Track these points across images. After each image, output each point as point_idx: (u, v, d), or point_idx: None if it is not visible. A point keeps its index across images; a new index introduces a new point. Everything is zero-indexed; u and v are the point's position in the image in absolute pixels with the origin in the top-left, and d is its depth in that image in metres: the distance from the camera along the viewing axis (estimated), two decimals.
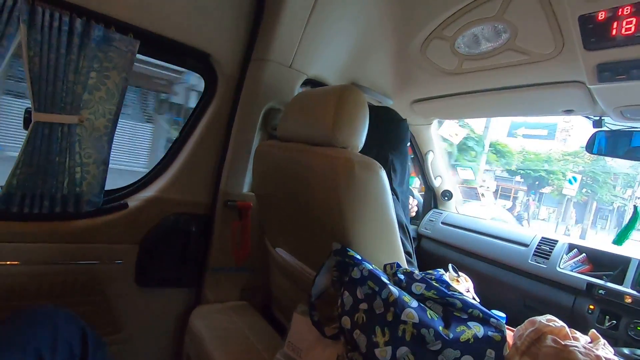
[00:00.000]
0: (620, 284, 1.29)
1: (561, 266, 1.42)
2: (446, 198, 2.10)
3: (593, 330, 0.69)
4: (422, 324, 0.66)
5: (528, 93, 1.27)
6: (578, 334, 0.66)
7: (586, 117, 1.33)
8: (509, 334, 0.72)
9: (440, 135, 1.99)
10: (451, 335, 0.65)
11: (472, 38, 1.23)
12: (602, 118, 1.28)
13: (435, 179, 2.07)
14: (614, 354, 0.66)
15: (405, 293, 0.71)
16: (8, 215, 1.02)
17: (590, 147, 1.39)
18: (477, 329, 0.67)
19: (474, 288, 1.30)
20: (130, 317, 1.25)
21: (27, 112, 1.01)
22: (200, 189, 1.33)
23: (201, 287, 1.35)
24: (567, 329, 0.64)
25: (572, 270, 1.41)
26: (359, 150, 0.92)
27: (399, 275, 0.78)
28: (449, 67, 1.37)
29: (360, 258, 0.79)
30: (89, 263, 1.15)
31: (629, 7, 0.82)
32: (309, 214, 0.94)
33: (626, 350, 0.70)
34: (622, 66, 0.93)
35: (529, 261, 1.49)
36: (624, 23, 0.85)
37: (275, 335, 1.17)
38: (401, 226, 1.14)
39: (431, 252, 1.92)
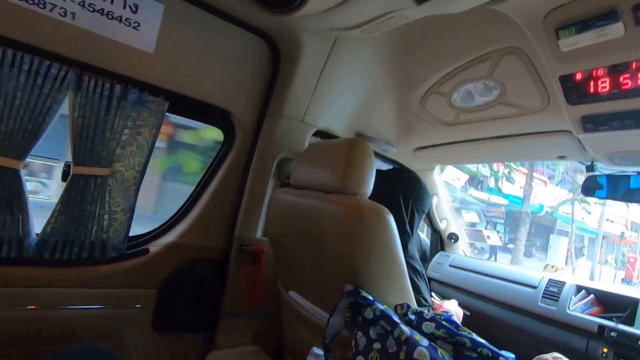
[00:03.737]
0: (632, 325, 1.29)
1: (571, 308, 1.43)
2: (452, 241, 2.13)
3: None
4: None
5: (521, 141, 1.37)
6: None
7: (579, 162, 1.42)
8: None
9: (443, 181, 2.08)
10: None
11: (467, 93, 1.36)
12: (594, 163, 1.37)
13: (440, 221, 2.13)
14: None
15: (416, 332, 0.75)
16: (40, 261, 1.10)
17: (587, 190, 1.46)
18: None
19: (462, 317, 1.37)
20: None
21: (67, 165, 1.12)
22: (216, 234, 1.40)
23: (214, 332, 1.37)
24: None
25: (582, 312, 1.42)
26: (368, 196, 1.01)
27: (409, 315, 0.82)
28: (446, 119, 1.49)
29: (372, 299, 0.84)
30: (109, 308, 1.19)
31: (601, 69, 0.94)
32: (322, 256, 1.00)
33: None
34: (603, 118, 1.03)
35: (539, 304, 1.50)
36: (599, 82, 0.96)
37: None
38: (416, 269, 1.19)
39: (440, 295, 1.92)
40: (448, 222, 2.14)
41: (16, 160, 1.02)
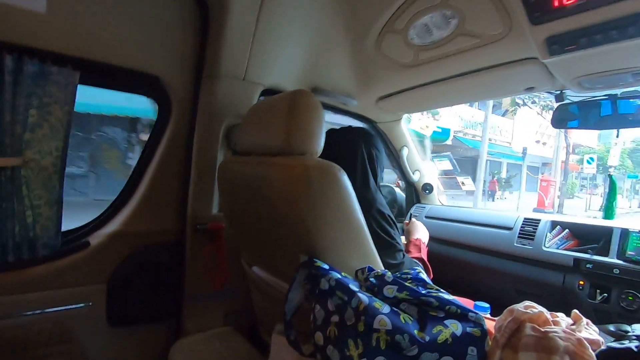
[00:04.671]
0: (606, 255, 1.27)
1: (547, 245, 1.40)
2: (427, 191, 2.07)
3: (575, 310, 0.66)
4: (395, 329, 0.62)
5: (487, 75, 1.26)
6: (560, 317, 0.63)
7: (548, 92, 1.33)
8: (492, 325, 0.68)
9: (411, 130, 1.98)
10: (427, 338, 0.61)
11: (423, 28, 1.22)
12: (563, 92, 1.28)
13: (413, 173, 2.05)
14: (599, 333, 0.63)
15: (376, 299, 0.67)
16: None
17: (557, 121, 1.38)
18: (454, 327, 0.64)
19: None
20: None
21: None
22: (167, 216, 1.27)
23: (180, 319, 1.29)
24: (547, 313, 0.61)
25: (557, 248, 1.39)
26: (319, 155, 0.89)
27: (370, 279, 0.74)
28: (406, 60, 1.36)
29: (327, 267, 0.75)
30: (55, 310, 1.08)
31: None
32: (275, 228, 0.90)
33: (611, 327, 0.67)
34: (570, 36, 0.92)
35: (515, 244, 1.47)
36: None
37: (262, 359, 1.11)
38: (388, 218, 1.12)
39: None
40: (421, 173, 2.07)
41: None
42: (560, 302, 1.31)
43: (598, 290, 1.23)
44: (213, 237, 1.28)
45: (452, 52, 1.23)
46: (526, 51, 1.09)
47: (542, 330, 0.56)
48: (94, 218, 1.22)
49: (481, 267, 1.57)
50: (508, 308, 0.64)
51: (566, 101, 1.30)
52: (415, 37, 1.26)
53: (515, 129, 15.21)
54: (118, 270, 1.18)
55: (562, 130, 10.84)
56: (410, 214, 1.87)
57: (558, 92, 1.29)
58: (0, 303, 1.00)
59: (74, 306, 1.11)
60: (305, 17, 1.27)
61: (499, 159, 15.92)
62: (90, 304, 1.14)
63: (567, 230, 1.44)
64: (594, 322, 0.72)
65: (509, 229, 1.53)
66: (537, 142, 15.78)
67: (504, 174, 16.68)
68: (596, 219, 1.52)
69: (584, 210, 14.15)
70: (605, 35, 0.89)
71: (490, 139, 11.38)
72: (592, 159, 13.22)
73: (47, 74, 1.00)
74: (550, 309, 0.66)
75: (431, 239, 1.80)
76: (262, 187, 0.88)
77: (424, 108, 1.88)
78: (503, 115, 15.27)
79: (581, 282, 1.27)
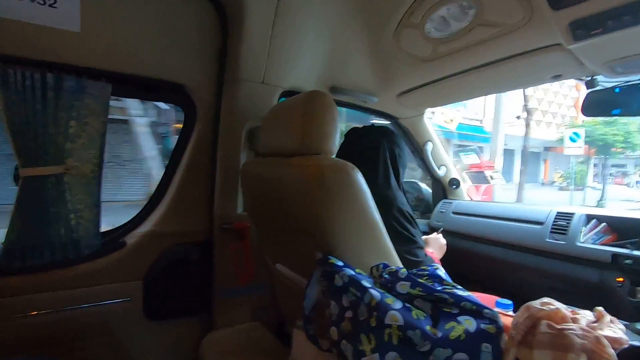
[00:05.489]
0: None
1: (581, 240, 1.33)
2: (454, 186, 2.02)
3: (599, 307, 0.63)
4: (407, 325, 0.62)
5: (509, 65, 1.21)
6: (581, 314, 0.61)
7: (578, 79, 1.26)
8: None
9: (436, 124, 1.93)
10: (439, 334, 0.61)
11: (441, 20, 1.20)
12: (594, 78, 1.20)
13: (439, 168, 2.01)
14: (626, 331, 0.60)
15: (388, 295, 0.68)
16: (11, 270, 1.06)
17: (589, 109, 1.30)
18: (468, 323, 0.63)
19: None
20: (144, 352, 1.26)
21: (16, 168, 1.05)
22: (196, 216, 1.34)
23: (211, 314, 1.35)
24: (565, 310, 0.59)
25: (594, 243, 1.32)
26: (334, 154, 0.91)
27: (384, 276, 0.75)
28: (425, 54, 1.34)
29: (341, 264, 0.77)
30: (96, 305, 1.17)
31: None
32: (293, 226, 0.93)
33: (639, 325, 0.63)
34: (595, 20, 0.87)
35: (546, 239, 1.40)
36: None
37: (288, 353, 1.15)
38: (408, 216, 1.12)
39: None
40: (447, 168, 2.02)
41: None
42: (596, 300, 1.24)
43: (639, 288, 1.16)
44: (239, 235, 1.33)
45: (471, 44, 1.20)
46: (549, 38, 1.04)
47: (558, 327, 0.54)
48: (129, 219, 1.31)
49: (511, 264, 1.51)
50: (525, 305, 0.63)
51: (598, 87, 1.22)
52: (432, 30, 1.24)
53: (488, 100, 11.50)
54: (152, 267, 1.26)
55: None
56: (432, 226, 1.86)
57: (589, 78, 1.22)
58: (49, 298, 1.11)
59: (114, 301, 1.20)
60: (321, 18, 1.29)
61: (468, 142, 11.70)
62: (129, 299, 1.22)
63: (604, 224, 1.36)
64: (635, 321, 0.69)
65: (540, 223, 1.46)
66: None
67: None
68: (636, 211, 1.41)
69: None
70: (635, 16, 0.83)
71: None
72: (576, 134, 9.57)
73: (84, 88, 1.09)
74: (585, 307, 0.63)
75: (459, 235, 1.77)
76: (280, 188, 0.91)
77: (446, 102, 1.83)
78: None
79: (620, 279, 1.20)
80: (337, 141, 0.91)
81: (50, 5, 1.00)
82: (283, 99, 1.41)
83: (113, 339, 1.20)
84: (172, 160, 1.35)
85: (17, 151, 1.03)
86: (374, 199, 0.83)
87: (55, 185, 1.09)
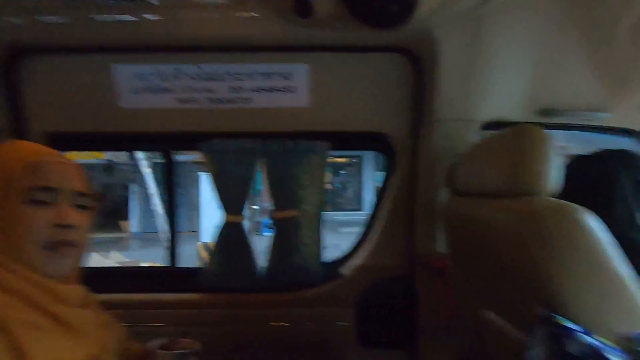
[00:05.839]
0: None
1: None
2: None
3: None
4: None
5: None
6: None
7: None
8: None
9: None
10: None
11: None
12: None
13: None
14: None
15: None
16: (269, 288, 1.43)
17: None
18: None
19: None
20: None
21: (272, 212, 1.45)
22: (397, 252, 1.42)
23: (417, 349, 1.37)
24: None
25: None
26: (556, 193, 0.79)
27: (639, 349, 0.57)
28: None
29: (573, 327, 0.64)
30: (317, 324, 1.40)
31: None
32: (503, 274, 0.85)
33: None
34: None
35: None
36: None
37: None
38: None
39: None
40: None
41: (239, 216, 1.41)
42: None
43: None
44: (439, 273, 1.31)
45: None
46: None
47: None
48: (345, 253, 1.54)
49: None
50: None
51: None
52: None
53: None
54: (363, 297, 1.41)
55: None
56: None
57: None
58: (281, 314, 1.40)
59: (330, 324, 1.40)
60: (528, 34, 1.19)
61: None
62: (346, 324, 1.40)
63: None
64: None
65: None
66: None
67: None
68: None
69: None
70: None
71: None
72: None
73: (310, 147, 1.41)
74: None
75: None
76: (486, 231, 0.86)
77: None
78: None
79: None
80: (554, 179, 0.79)
81: (291, 92, 1.34)
82: (485, 131, 1.35)
83: (326, 355, 1.39)
84: (378, 199, 1.51)
85: (274, 200, 1.41)
86: (617, 245, 0.67)
87: (292, 225, 1.43)
